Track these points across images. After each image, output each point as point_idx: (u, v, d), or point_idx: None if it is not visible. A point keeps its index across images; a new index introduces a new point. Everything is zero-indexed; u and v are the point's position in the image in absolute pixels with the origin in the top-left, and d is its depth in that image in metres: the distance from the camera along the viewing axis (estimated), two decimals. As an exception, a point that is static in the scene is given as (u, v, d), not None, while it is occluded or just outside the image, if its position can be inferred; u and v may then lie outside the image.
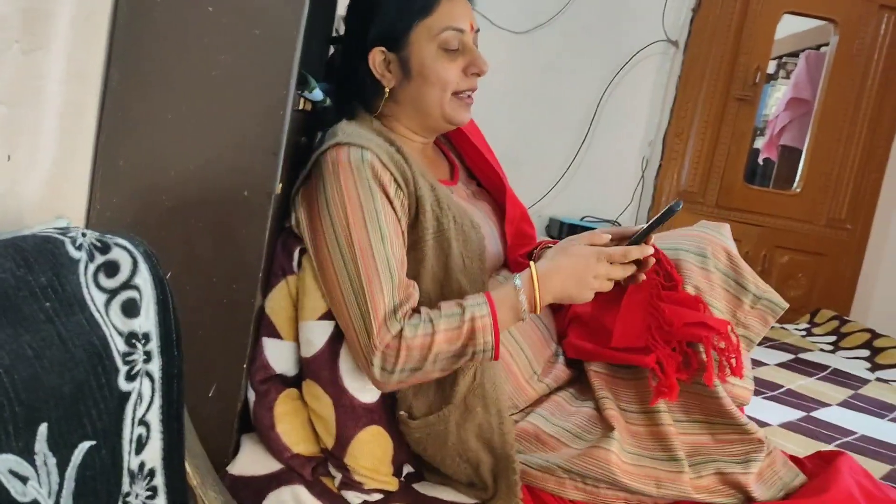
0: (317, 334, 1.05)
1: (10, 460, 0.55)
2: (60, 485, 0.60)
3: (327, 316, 1.05)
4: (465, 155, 1.31)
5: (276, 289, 1.07)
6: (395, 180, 1.04)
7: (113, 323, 0.70)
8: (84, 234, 0.71)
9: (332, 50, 1.31)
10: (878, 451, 1.56)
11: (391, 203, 1.03)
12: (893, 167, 3.26)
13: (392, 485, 1.08)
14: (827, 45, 3.36)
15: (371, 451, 1.05)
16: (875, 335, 2.56)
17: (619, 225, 3.19)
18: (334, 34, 1.32)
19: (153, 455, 0.75)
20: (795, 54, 3.89)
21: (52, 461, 0.59)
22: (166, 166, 0.95)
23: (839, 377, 2.16)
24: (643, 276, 1.06)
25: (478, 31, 1.17)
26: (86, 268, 0.69)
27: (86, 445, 0.63)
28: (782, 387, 1.94)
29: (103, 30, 0.90)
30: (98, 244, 0.71)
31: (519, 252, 1.22)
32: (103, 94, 0.92)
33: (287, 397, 1.07)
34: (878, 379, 2.22)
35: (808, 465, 1.20)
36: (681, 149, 3.23)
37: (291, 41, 0.95)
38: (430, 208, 1.06)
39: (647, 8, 3.14)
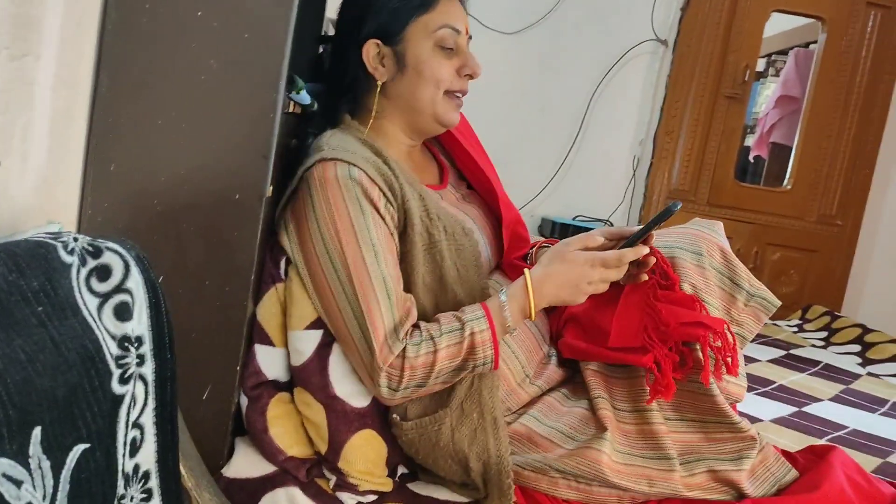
0: (305, 343, 1.05)
1: (4, 464, 0.55)
2: (55, 488, 0.60)
3: (315, 325, 1.05)
4: (455, 157, 1.31)
5: (267, 296, 1.07)
6: (384, 194, 1.04)
7: (105, 327, 0.70)
8: (76, 239, 0.71)
9: (321, 50, 1.31)
10: (869, 444, 1.57)
11: (382, 218, 1.03)
12: (883, 163, 3.28)
13: (387, 486, 1.08)
14: (815, 42, 3.38)
15: (364, 455, 1.05)
16: (866, 330, 2.58)
17: (612, 224, 3.21)
18: (323, 33, 1.33)
19: (147, 458, 0.75)
20: (784, 52, 3.90)
21: (47, 464, 0.59)
22: (157, 170, 0.96)
23: (831, 372, 2.17)
24: (644, 276, 1.06)
25: (470, 37, 1.17)
26: (78, 272, 0.69)
27: (80, 448, 0.63)
28: (774, 382, 1.96)
29: (92, 35, 0.90)
30: (90, 248, 0.71)
31: (515, 255, 1.23)
32: (93, 99, 0.92)
33: (279, 401, 1.08)
34: (870, 374, 2.23)
35: (800, 459, 1.20)
36: (671, 147, 3.25)
37: (281, 44, 0.95)
38: (420, 220, 1.06)
39: (636, 7, 3.15)
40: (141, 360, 0.73)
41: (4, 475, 0.55)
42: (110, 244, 0.73)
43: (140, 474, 0.74)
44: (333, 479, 1.06)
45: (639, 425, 1.08)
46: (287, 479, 1.05)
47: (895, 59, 3.25)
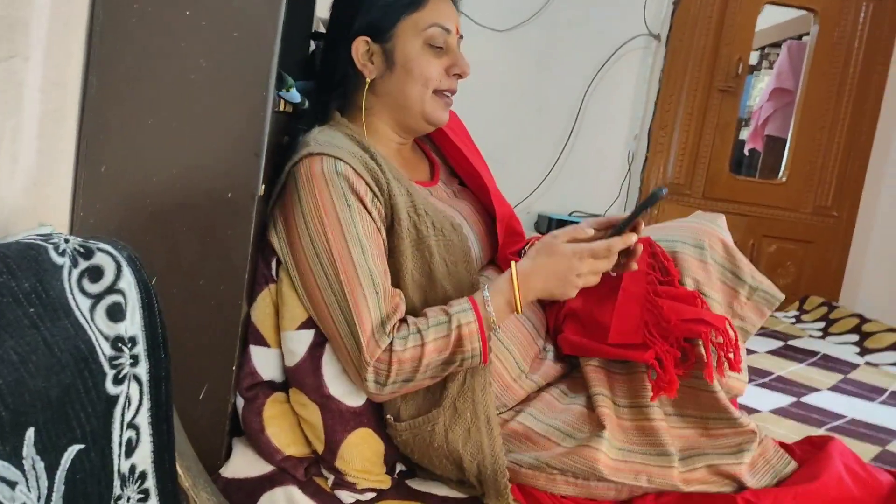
0: (297, 344, 1.05)
1: (-2, 465, 0.55)
2: (50, 489, 0.60)
3: (306, 325, 1.05)
4: (447, 154, 1.30)
5: (261, 296, 1.07)
6: (371, 189, 1.04)
7: (98, 327, 0.70)
8: (67, 240, 0.71)
9: (312, 47, 1.31)
10: (867, 433, 1.57)
11: (369, 213, 1.03)
12: (877, 153, 3.29)
13: (385, 483, 1.08)
14: (808, 34, 3.39)
15: (361, 454, 1.05)
16: (864, 320, 2.58)
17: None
18: (313, 31, 1.32)
19: (144, 458, 0.75)
20: (778, 44, 3.91)
21: (41, 465, 0.59)
22: (149, 171, 0.95)
23: (829, 362, 2.17)
24: (635, 266, 1.05)
25: (461, 37, 1.17)
26: (69, 273, 0.69)
27: (74, 449, 0.63)
28: (772, 374, 1.96)
29: (81, 36, 0.90)
30: (81, 249, 0.71)
31: (510, 250, 1.22)
32: (83, 100, 0.92)
33: (275, 401, 1.08)
34: (868, 363, 2.23)
35: (798, 451, 1.20)
36: (666, 141, 3.25)
37: (270, 43, 0.95)
38: (407, 215, 1.05)
39: (629, 2, 3.16)
40: (135, 360, 0.73)
41: (-2, 476, 0.55)
42: (102, 245, 0.73)
43: (136, 474, 0.74)
44: (332, 477, 1.06)
45: (638, 421, 1.07)
46: (285, 478, 1.05)
47: (887, 50, 3.25)
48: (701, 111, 3.25)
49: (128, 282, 0.73)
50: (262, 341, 1.07)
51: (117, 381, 0.70)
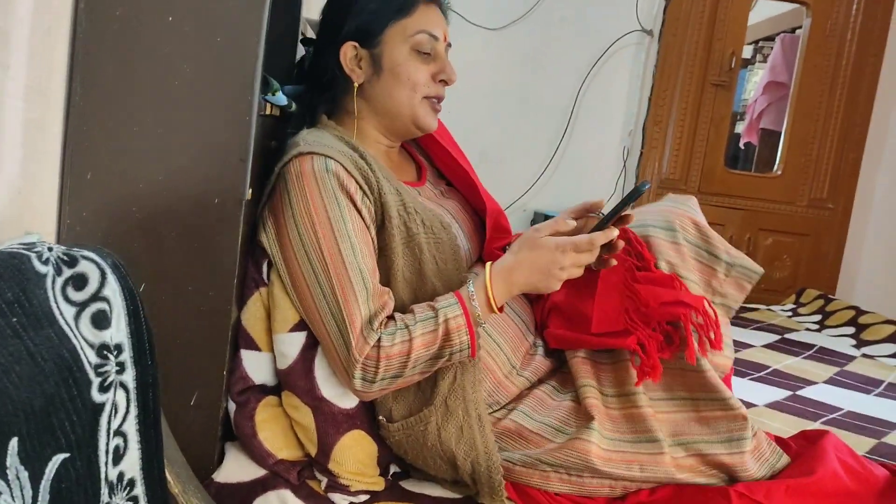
0: (289, 346, 1.05)
1: (-19, 476, 0.55)
2: (34, 498, 0.60)
3: (298, 327, 1.05)
4: (433, 155, 1.31)
5: (251, 300, 1.07)
6: (361, 187, 1.04)
7: (83, 335, 0.70)
8: (51, 249, 0.71)
9: (303, 52, 1.32)
10: (863, 426, 1.57)
11: (359, 211, 1.03)
12: (872, 145, 3.29)
13: (379, 485, 1.08)
14: (801, 27, 3.39)
15: (354, 456, 1.05)
16: (860, 312, 2.58)
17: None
18: (302, 36, 1.33)
19: (132, 465, 0.75)
20: (771, 38, 3.91)
21: (25, 475, 0.59)
22: (135, 178, 0.95)
23: (825, 355, 2.17)
24: (614, 262, 1.06)
25: (449, 45, 1.18)
26: (53, 282, 0.69)
27: (59, 458, 0.63)
28: (768, 367, 1.96)
29: (63, 44, 0.90)
30: (65, 258, 0.71)
31: (497, 244, 1.23)
32: (67, 108, 0.92)
33: (267, 405, 1.08)
34: (864, 355, 2.23)
35: (793, 445, 1.21)
36: (661, 137, 3.25)
37: (253, 46, 0.95)
38: (397, 214, 1.06)
39: (621, -2, 3.16)
40: (121, 367, 0.73)
41: (-19, 487, 0.55)
42: (86, 253, 0.73)
43: (125, 482, 0.74)
44: (325, 480, 1.06)
45: (626, 409, 1.08)
46: (278, 481, 1.05)
47: (880, 41, 3.25)
48: (695, 106, 3.25)
49: (112, 289, 0.73)
50: (252, 345, 1.07)
51: (103, 388, 0.70)
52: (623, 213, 1.02)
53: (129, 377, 0.74)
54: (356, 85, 1.14)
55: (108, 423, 0.71)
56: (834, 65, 3.26)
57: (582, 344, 1.14)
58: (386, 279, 1.06)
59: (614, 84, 3.24)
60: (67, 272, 0.70)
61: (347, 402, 1.06)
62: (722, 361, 1.13)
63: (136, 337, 0.75)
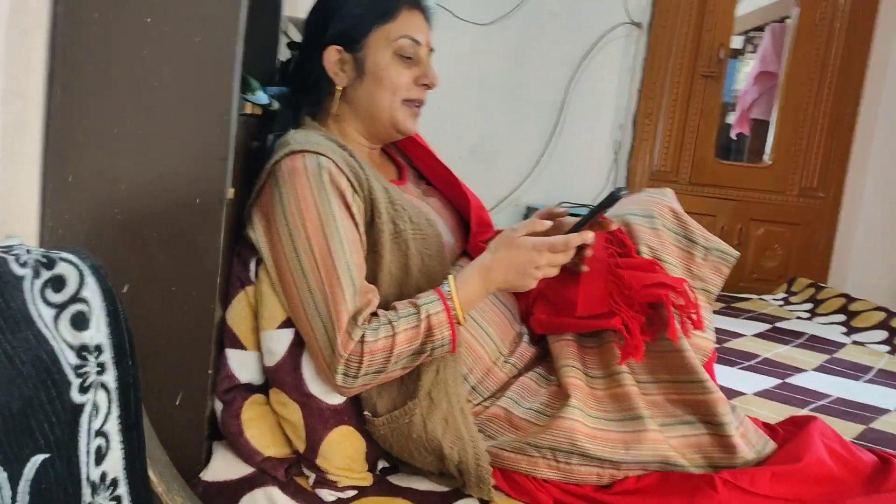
0: (277, 343, 1.06)
1: (-42, 478, 0.55)
2: (14, 498, 0.60)
3: (286, 324, 1.06)
4: (413, 157, 1.34)
5: (236, 300, 1.08)
6: (352, 184, 1.06)
7: (63, 337, 0.70)
8: (29, 251, 0.71)
9: (289, 54, 1.32)
10: (852, 412, 1.58)
11: (349, 208, 1.05)
12: (861, 133, 3.29)
13: (367, 480, 1.09)
14: (790, 17, 3.39)
15: (342, 451, 1.06)
16: (850, 299, 2.59)
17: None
18: (287, 38, 1.33)
19: (114, 465, 0.75)
20: (762, 28, 3.91)
21: (3, 476, 0.59)
22: (116, 179, 0.96)
23: (816, 343, 2.18)
24: (590, 252, 1.09)
25: (432, 50, 1.20)
26: (31, 284, 0.69)
27: (39, 459, 0.64)
28: (758, 356, 1.96)
29: (41, 47, 0.90)
30: (43, 260, 0.71)
31: (480, 238, 1.25)
32: (47, 110, 0.92)
33: (253, 403, 1.08)
34: (854, 342, 2.24)
35: (780, 431, 1.22)
36: (651, 129, 3.26)
37: (232, 46, 0.95)
38: (385, 210, 1.08)
39: (609, -9, 3.16)
40: (101, 368, 0.74)
41: (-42, 489, 0.55)
42: (64, 255, 0.73)
43: (108, 482, 0.75)
44: (313, 476, 1.06)
45: (611, 389, 1.10)
46: (266, 479, 1.06)
47: (869, 30, 3.25)
48: (685, 98, 3.25)
49: (91, 290, 0.73)
50: (238, 344, 1.08)
51: (83, 389, 0.71)
52: (601, 219, 1.07)
53: (109, 378, 0.75)
54: (339, 88, 1.16)
55: (89, 423, 0.71)
56: (823, 54, 3.27)
57: (567, 328, 1.17)
58: (373, 275, 1.07)
59: (604, 77, 3.25)
60: (46, 274, 0.71)
61: (335, 398, 1.06)
62: (703, 343, 1.15)
63: (117, 338, 0.75)
